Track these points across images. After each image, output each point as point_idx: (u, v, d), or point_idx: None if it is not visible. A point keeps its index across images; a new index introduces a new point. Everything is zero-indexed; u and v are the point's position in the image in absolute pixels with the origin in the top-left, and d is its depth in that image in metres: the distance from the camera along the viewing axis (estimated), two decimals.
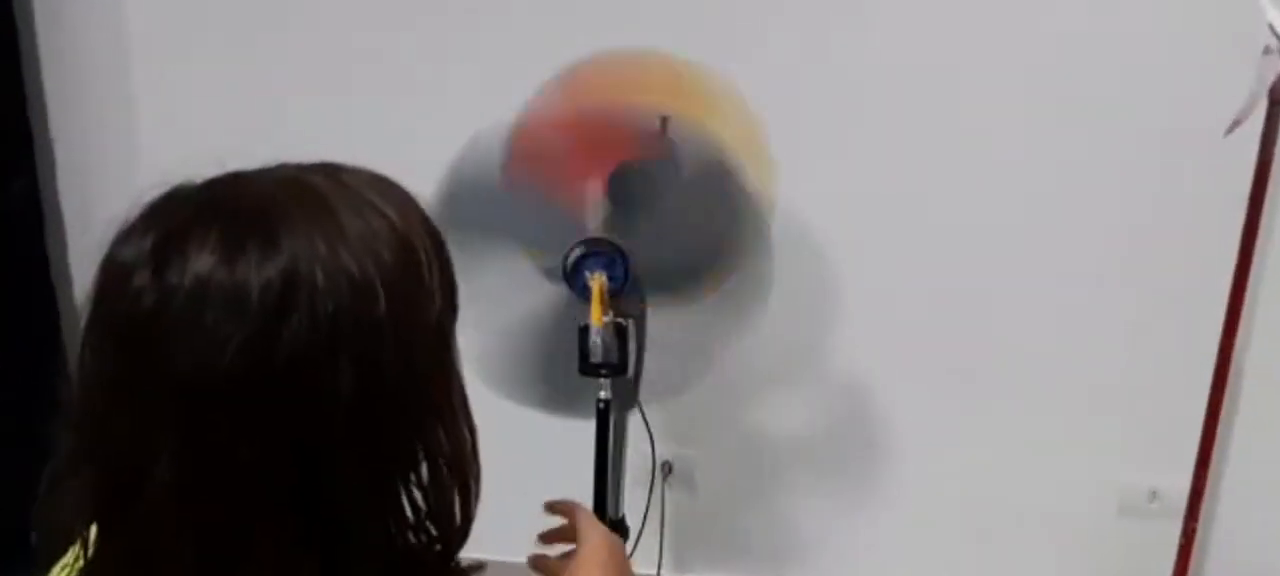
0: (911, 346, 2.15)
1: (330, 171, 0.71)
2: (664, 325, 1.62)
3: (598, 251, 1.38)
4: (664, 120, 1.50)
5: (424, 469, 0.72)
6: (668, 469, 2.28)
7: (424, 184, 0.74)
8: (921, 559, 2.29)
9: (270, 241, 0.64)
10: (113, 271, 0.66)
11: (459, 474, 0.73)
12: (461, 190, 1.41)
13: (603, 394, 1.42)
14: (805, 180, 1.95)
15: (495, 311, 1.48)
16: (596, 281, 1.36)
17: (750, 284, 1.64)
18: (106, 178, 2.18)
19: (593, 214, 1.47)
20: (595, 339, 1.36)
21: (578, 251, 1.37)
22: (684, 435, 2.27)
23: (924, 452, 2.22)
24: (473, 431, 0.75)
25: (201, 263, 0.64)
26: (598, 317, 1.32)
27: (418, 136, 1.56)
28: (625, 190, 1.48)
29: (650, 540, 2.24)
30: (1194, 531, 2.13)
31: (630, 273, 1.39)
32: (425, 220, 0.73)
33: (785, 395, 2.25)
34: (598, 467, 1.52)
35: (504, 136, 1.42)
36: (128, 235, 0.67)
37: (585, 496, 1.70)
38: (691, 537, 2.36)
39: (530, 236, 1.42)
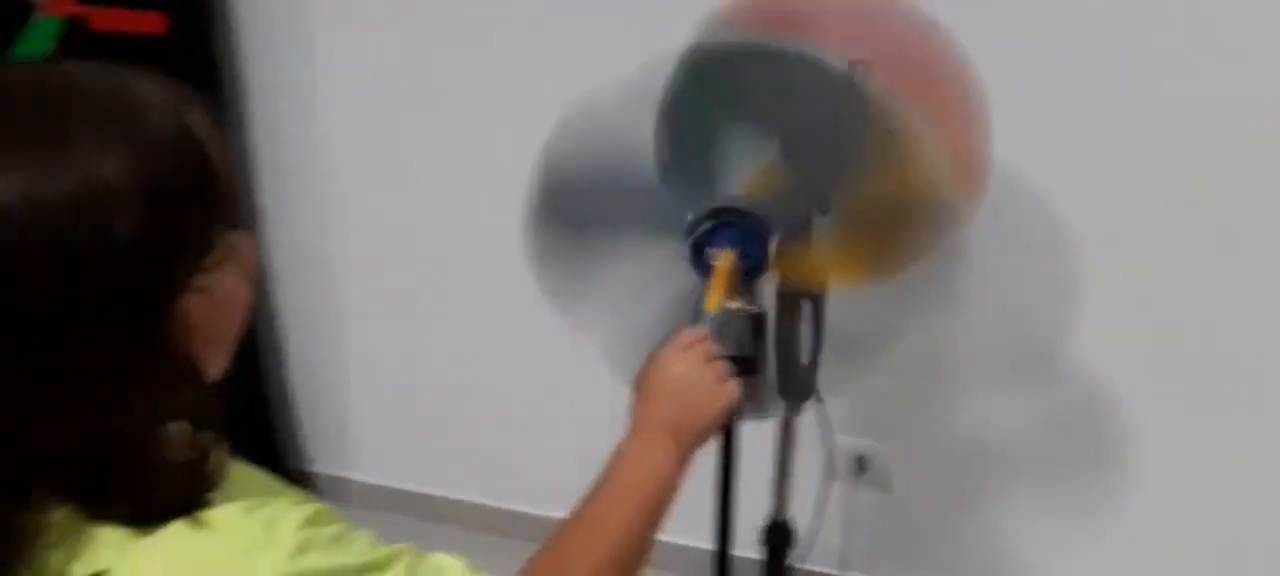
0: (1165, 350, 1.80)
1: (93, 96, 0.65)
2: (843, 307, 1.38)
3: (729, 222, 1.12)
4: (855, 65, 1.23)
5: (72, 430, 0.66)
6: (861, 464, 2.03)
7: None
8: None
9: None
10: None
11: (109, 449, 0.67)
12: (563, 183, 1.22)
13: None
14: (1047, 154, 1.69)
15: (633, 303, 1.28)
16: (722, 260, 1.11)
17: (942, 269, 1.37)
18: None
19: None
20: (717, 328, 1.11)
21: (705, 224, 1.12)
22: (884, 429, 2.03)
23: (1171, 474, 1.87)
24: (154, 413, 0.68)
25: None
26: (713, 303, 1.07)
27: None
28: (798, 144, 1.23)
29: (834, 539, 2.01)
30: None
31: (770, 250, 1.14)
32: (156, 177, 0.65)
33: (1009, 394, 1.94)
34: (722, 472, 1.29)
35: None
36: None
37: (759, 493, 1.55)
38: (883, 540, 2.11)
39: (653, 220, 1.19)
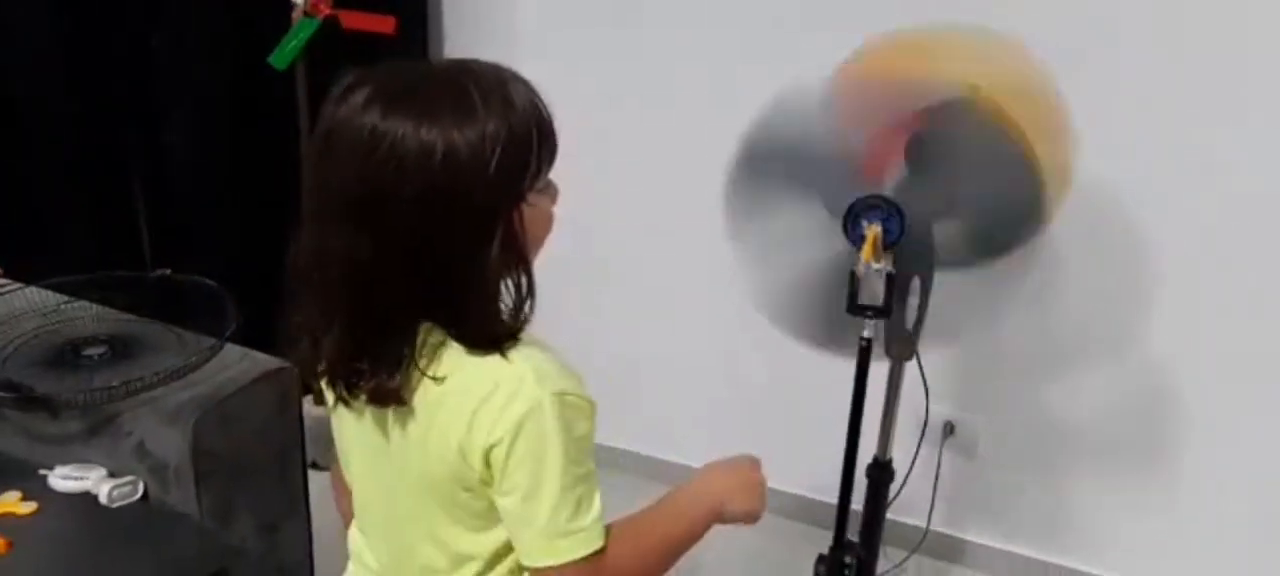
0: (1231, 339, 2.07)
1: (483, 82, 1.01)
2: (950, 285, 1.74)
3: (876, 206, 1.53)
4: (974, 89, 1.61)
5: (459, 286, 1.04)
6: (949, 429, 2.37)
7: None
8: (1214, 567, 2.23)
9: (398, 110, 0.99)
10: None
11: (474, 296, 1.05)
12: (767, 143, 1.62)
13: (866, 333, 1.58)
14: (1122, 158, 1.98)
15: (785, 254, 1.67)
16: (871, 231, 1.52)
17: (1033, 256, 1.72)
18: None
19: (889, 174, 1.62)
20: (862, 281, 1.52)
21: (858, 205, 1.54)
22: (973, 400, 2.34)
23: (1232, 453, 2.14)
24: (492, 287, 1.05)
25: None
26: (867, 257, 1.49)
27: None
28: (923, 155, 1.62)
29: (922, 492, 2.36)
30: None
31: (906, 229, 1.53)
32: (518, 132, 1.01)
33: (1084, 374, 2.23)
34: (854, 402, 1.68)
35: (817, 92, 1.60)
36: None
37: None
38: (965, 500, 2.43)
39: (828, 192, 1.60)
